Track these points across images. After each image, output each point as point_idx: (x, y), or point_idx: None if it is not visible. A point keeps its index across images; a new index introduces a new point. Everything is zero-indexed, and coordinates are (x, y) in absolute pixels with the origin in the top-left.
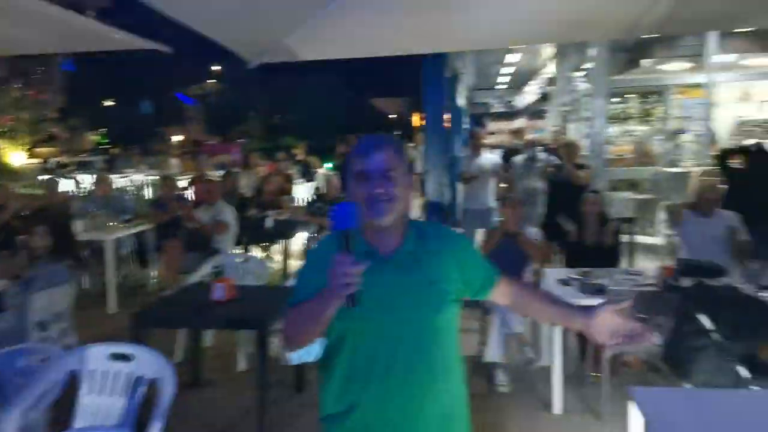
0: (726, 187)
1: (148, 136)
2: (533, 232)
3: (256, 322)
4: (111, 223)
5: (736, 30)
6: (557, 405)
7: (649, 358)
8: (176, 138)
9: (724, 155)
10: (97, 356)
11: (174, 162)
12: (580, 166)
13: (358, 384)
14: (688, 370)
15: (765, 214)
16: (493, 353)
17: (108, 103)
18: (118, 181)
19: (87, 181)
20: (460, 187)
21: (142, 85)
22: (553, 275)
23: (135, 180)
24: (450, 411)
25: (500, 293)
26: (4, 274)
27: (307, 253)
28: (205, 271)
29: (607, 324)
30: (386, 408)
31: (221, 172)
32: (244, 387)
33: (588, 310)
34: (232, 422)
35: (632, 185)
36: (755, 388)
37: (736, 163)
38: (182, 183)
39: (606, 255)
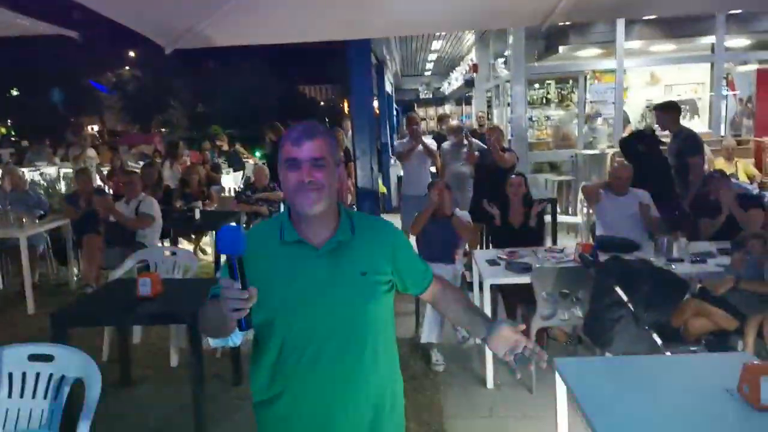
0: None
1: (61, 126)
2: (463, 214)
3: (185, 316)
4: (24, 220)
5: (642, 18)
6: (490, 380)
7: (573, 330)
8: (93, 128)
9: (625, 141)
10: (15, 357)
11: (91, 153)
12: (505, 150)
13: (287, 372)
14: (607, 340)
15: (660, 194)
16: (428, 335)
17: (14, 92)
18: (28, 174)
19: None
20: (394, 173)
21: (51, 73)
22: (482, 256)
23: (47, 173)
24: (381, 400)
25: (428, 291)
26: None
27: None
28: (129, 266)
29: (504, 340)
30: (315, 396)
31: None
32: (179, 383)
33: (491, 324)
34: (168, 419)
35: (553, 167)
36: (668, 353)
37: (637, 147)
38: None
39: (531, 235)
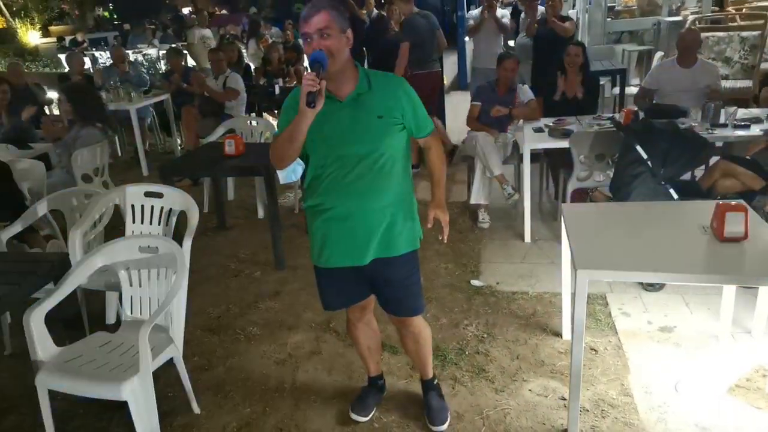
0: None
1: (156, 9)
2: (525, 89)
3: (262, 169)
4: (132, 94)
5: None
6: (527, 235)
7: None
8: (185, 10)
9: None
10: (135, 194)
11: (207, 33)
12: (564, 18)
13: (322, 189)
14: (628, 194)
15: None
16: (476, 197)
17: None
18: (132, 56)
19: (102, 57)
20: (469, 47)
21: None
22: (531, 125)
23: (147, 54)
24: (395, 210)
25: (425, 139)
26: (48, 137)
27: (284, 100)
28: (220, 133)
29: (433, 213)
30: (343, 206)
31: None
32: (263, 230)
33: (432, 200)
34: (254, 253)
35: (634, 36)
36: None
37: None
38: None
39: (584, 105)
